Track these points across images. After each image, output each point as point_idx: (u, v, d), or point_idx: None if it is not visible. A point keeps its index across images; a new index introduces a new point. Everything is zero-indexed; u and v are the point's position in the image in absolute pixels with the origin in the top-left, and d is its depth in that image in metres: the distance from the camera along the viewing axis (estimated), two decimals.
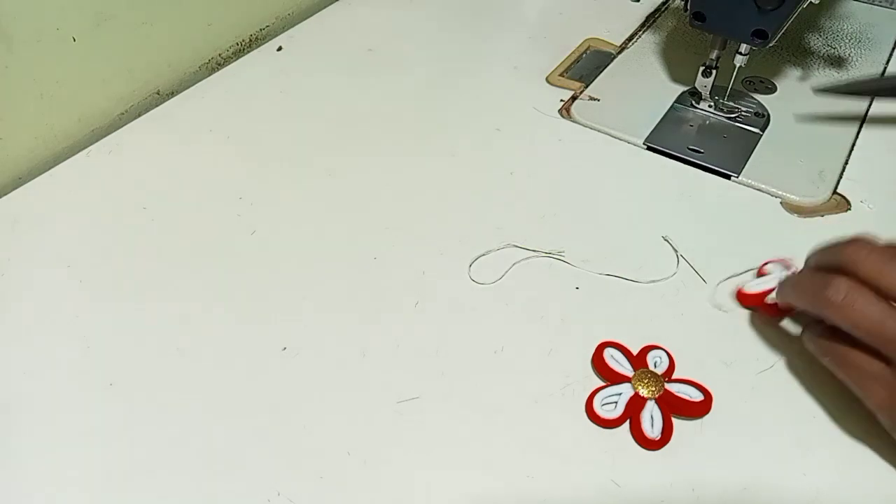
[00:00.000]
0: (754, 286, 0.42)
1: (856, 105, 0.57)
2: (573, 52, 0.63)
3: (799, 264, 0.41)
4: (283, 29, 0.66)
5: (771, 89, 0.59)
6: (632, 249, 0.46)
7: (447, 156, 0.53)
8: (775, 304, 0.40)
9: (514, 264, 0.45)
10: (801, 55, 0.62)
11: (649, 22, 0.67)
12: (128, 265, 0.45)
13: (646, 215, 0.48)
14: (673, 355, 0.39)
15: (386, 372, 0.39)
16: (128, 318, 0.42)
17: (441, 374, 0.39)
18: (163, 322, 0.42)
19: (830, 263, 0.36)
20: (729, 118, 0.55)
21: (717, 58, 0.52)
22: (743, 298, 0.42)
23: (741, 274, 0.44)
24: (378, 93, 0.59)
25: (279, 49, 0.63)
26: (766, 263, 0.44)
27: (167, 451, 0.36)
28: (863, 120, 0.56)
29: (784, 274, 0.42)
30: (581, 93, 0.58)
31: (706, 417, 0.37)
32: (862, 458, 0.35)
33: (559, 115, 0.56)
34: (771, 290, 0.41)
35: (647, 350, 0.40)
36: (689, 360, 0.39)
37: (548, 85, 0.60)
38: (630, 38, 0.65)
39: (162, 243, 0.46)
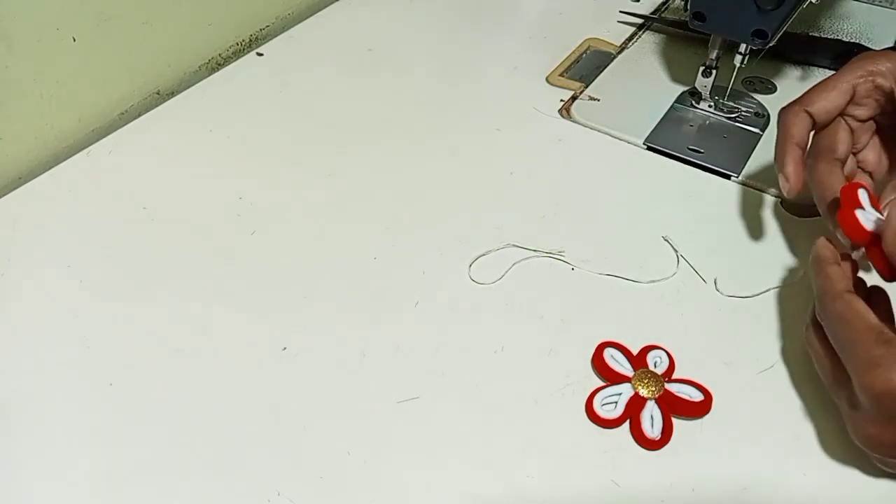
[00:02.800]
0: (869, 220, 0.36)
1: None
2: (573, 52, 0.63)
3: None
4: (283, 29, 0.66)
5: (771, 89, 0.59)
6: (632, 249, 0.46)
7: (447, 156, 0.53)
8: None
9: (514, 264, 0.45)
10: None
11: (649, 22, 0.67)
12: (128, 265, 0.45)
13: (646, 215, 0.48)
14: (673, 355, 0.39)
15: (386, 372, 0.39)
16: (128, 318, 0.42)
17: (441, 374, 0.39)
18: (163, 322, 0.42)
19: None
20: (729, 118, 0.55)
21: (717, 58, 0.52)
22: (855, 232, 0.36)
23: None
24: (378, 93, 0.59)
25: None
26: (858, 188, 0.37)
27: (167, 451, 0.36)
28: None
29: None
30: (581, 93, 0.58)
31: (706, 417, 0.37)
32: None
33: (559, 115, 0.56)
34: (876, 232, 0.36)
35: (647, 350, 0.40)
36: (689, 360, 0.39)
37: (548, 85, 0.60)
38: (630, 38, 0.65)
39: (162, 243, 0.46)
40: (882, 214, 0.36)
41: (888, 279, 0.36)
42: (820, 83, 0.42)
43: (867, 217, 0.36)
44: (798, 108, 0.42)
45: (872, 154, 0.43)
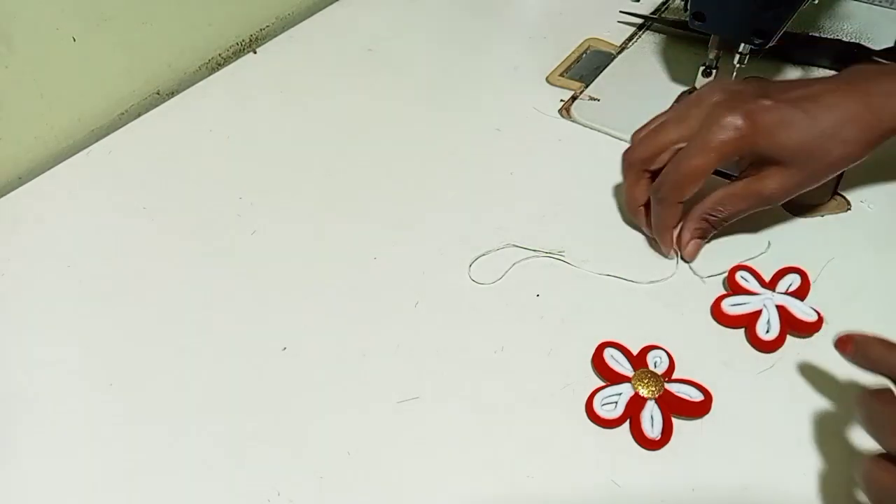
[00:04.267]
0: (734, 307, 0.41)
1: None
2: (573, 52, 0.63)
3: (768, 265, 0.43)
4: (283, 29, 0.66)
5: None
6: (632, 249, 0.46)
7: (447, 156, 0.53)
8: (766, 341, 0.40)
9: (514, 264, 0.45)
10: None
11: (649, 22, 0.67)
12: (128, 265, 0.45)
13: None
14: (673, 355, 0.39)
15: (386, 372, 0.39)
16: (128, 318, 0.42)
17: (441, 374, 0.39)
18: (163, 322, 0.42)
19: None
20: None
21: (717, 58, 0.52)
22: (724, 319, 0.41)
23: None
24: (378, 93, 0.59)
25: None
26: (736, 270, 0.43)
27: (167, 451, 0.36)
28: None
29: (764, 301, 0.41)
30: (581, 93, 0.58)
31: (706, 417, 0.37)
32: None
33: (559, 115, 0.56)
34: (755, 314, 0.41)
35: (647, 350, 0.40)
36: (689, 360, 0.39)
37: (548, 85, 0.60)
38: (630, 38, 0.65)
39: (162, 243, 0.46)
40: (765, 287, 0.42)
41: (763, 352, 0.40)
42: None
43: (736, 303, 0.42)
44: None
45: None
